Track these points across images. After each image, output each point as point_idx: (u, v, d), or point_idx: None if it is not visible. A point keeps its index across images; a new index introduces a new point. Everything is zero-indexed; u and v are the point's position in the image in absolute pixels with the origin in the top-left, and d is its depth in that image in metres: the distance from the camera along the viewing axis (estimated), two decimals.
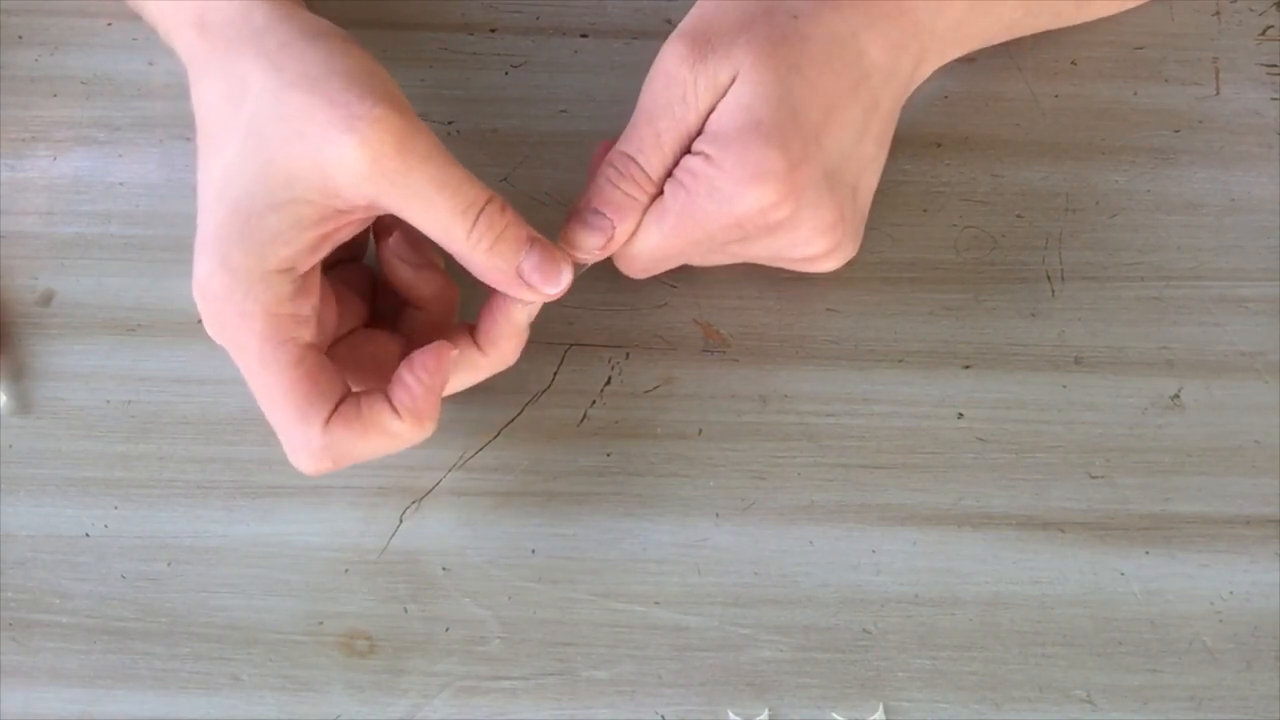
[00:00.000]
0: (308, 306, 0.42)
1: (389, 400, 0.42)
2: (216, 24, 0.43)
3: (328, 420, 0.42)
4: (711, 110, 0.44)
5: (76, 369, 0.49)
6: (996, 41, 0.52)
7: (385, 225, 0.46)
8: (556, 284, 0.43)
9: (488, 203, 0.41)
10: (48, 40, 0.54)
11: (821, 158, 0.44)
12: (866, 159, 0.46)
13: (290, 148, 0.41)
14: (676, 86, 0.44)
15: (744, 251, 0.46)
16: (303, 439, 0.42)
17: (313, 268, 0.42)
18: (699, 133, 0.44)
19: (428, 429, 0.43)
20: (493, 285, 0.43)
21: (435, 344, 0.43)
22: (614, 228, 0.44)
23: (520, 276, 0.42)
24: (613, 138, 0.45)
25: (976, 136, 0.53)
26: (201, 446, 0.48)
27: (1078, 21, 0.54)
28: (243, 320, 0.41)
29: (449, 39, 0.55)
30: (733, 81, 0.43)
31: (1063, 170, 0.53)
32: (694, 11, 0.45)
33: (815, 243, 0.45)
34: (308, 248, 0.42)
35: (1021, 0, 0.50)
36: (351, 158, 0.40)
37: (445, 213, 0.41)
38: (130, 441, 0.48)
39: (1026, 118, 0.53)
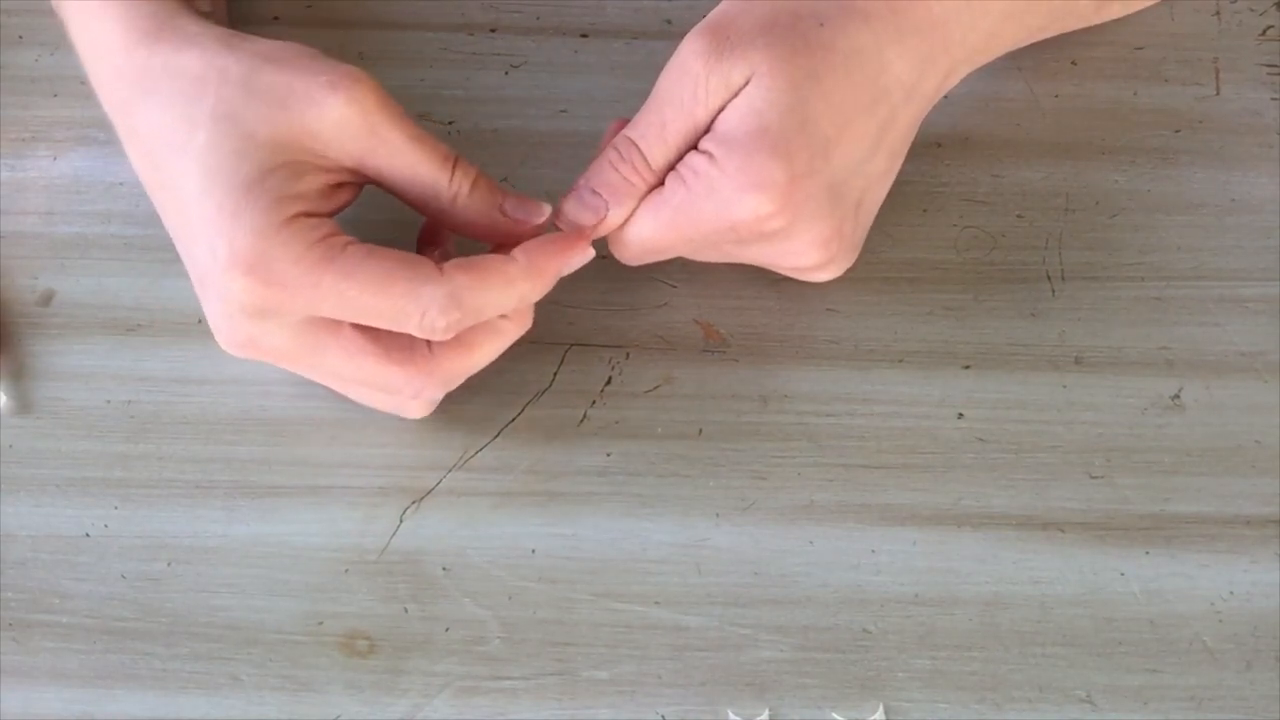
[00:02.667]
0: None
1: (504, 254, 0.43)
2: (146, 36, 0.43)
3: (441, 270, 0.42)
4: (722, 109, 0.43)
5: (76, 369, 0.49)
6: (1020, 47, 0.51)
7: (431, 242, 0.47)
8: (539, 214, 0.44)
9: (458, 157, 0.44)
10: (48, 40, 0.54)
11: (827, 172, 0.43)
12: (876, 175, 0.46)
13: (271, 121, 0.41)
14: (689, 80, 0.43)
15: (739, 253, 0.46)
16: (429, 293, 0.41)
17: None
18: (707, 130, 0.44)
19: (540, 283, 0.43)
20: (480, 233, 0.44)
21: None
22: (607, 209, 0.44)
23: (504, 213, 0.44)
24: (627, 117, 0.45)
25: (976, 136, 0.53)
26: (201, 446, 0.48)
27: (1095, 23, 0.53)
28: (299, 264, 0.41)
29: (449, 39, 0.55)
30: (746, 83, 0.43)
31: (1063, 170, 0.53)
32: (720, 7, 0.45)
33: (809, 255, 0.45)
34: (318, 194, 0.42)
35: (1047, 5, 0.50)
36: (340, 114, 0.42)
37: (427, 165, 0.43)
38: (130, 441, 0.48)
39: (1026, 118, 0.53)
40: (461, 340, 0.44)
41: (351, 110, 0.42)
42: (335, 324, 0.43)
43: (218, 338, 0.44)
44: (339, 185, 0.43)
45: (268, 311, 0.42)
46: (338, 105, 0.42)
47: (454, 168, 0.43)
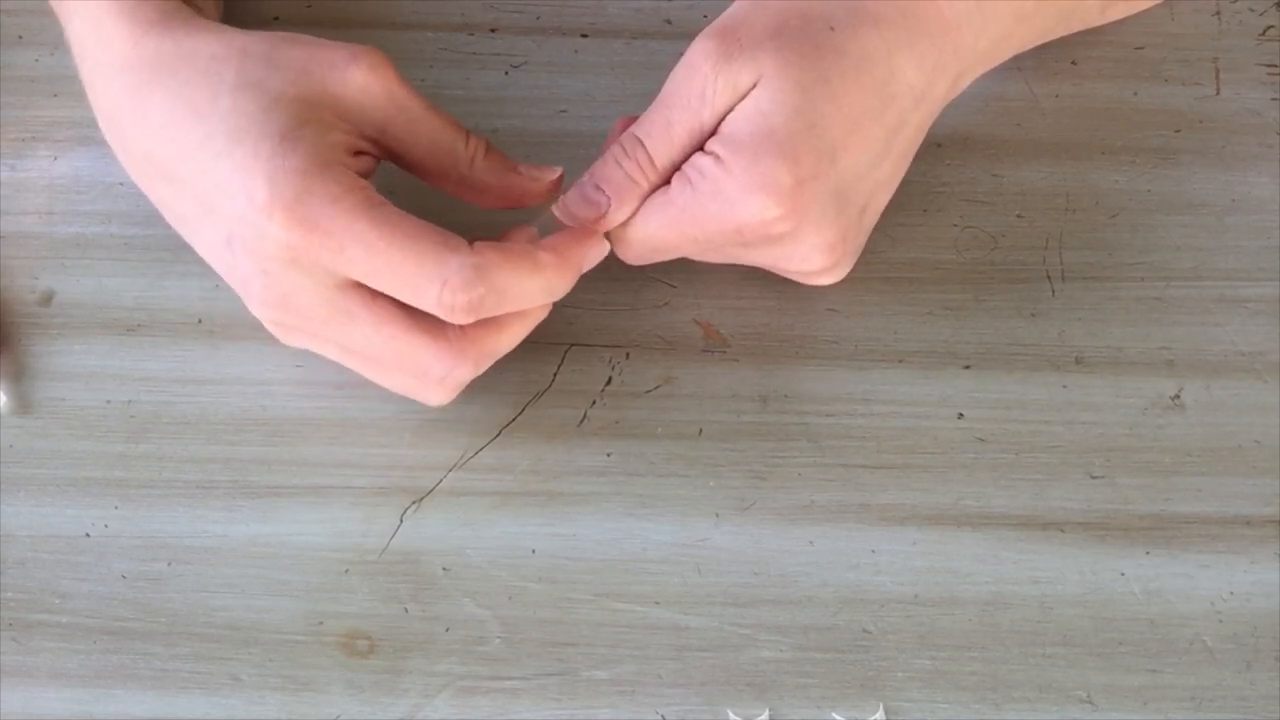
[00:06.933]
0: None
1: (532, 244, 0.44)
2: (154, 26, 0.44)
3: (471, 244, 0.42)
4: (729, 111, 0.43)
5: (76, 369, 0.49)
6: (1028, 49, 0.51)
7: None
8: (552, 173, 0.45)
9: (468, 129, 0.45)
10: (48, 40, 0.54)
11: (834, 176, 0.43)
12: (882, 180, 0.46)
13: (295, 84, 0.42)
14: (696, 80, 0.43)
15: (744, 255, 0.46)
16: (456, 262, 0.41)
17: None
18: (714, 132, 0.44)
19: (566, 274, 0.44)
20: (495, 197, 0.45)
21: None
22: (608, 205, 0.44)
23: (518, 173, 0.45)
24: (634, 115, 0.45)
25: (976, 136, 0.53)
26: (201, 446, 0.48)
27: (1100, 24, 0.53)
28: (336, 205, 0.41)
29: (449, 39, 0.55)
30: (754, 85, 0.43)
31: (1063, 170, 0.53)
32: (731, 9, 0.45)
33: (812, 259, 0.45)
34: (345, 152, 0.42)
35: (1055, 6, 0.49)
36: (363, 81, 0.43)
37: (445, 130, 0.44)
38: (130, 441, 0.48)
39: (1026, 118, 0.53)
40: (491, 317, 0.43)
41: (373, 78, 0.43)
42: (370, 292, 0.42)
43: (248, 300, 0.44)
44: (359, 153, 0.44)
45: (300, 258, 0.41)
46: (360, 73, 0.43)
47: (468, 136, 0.45)
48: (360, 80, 0.43)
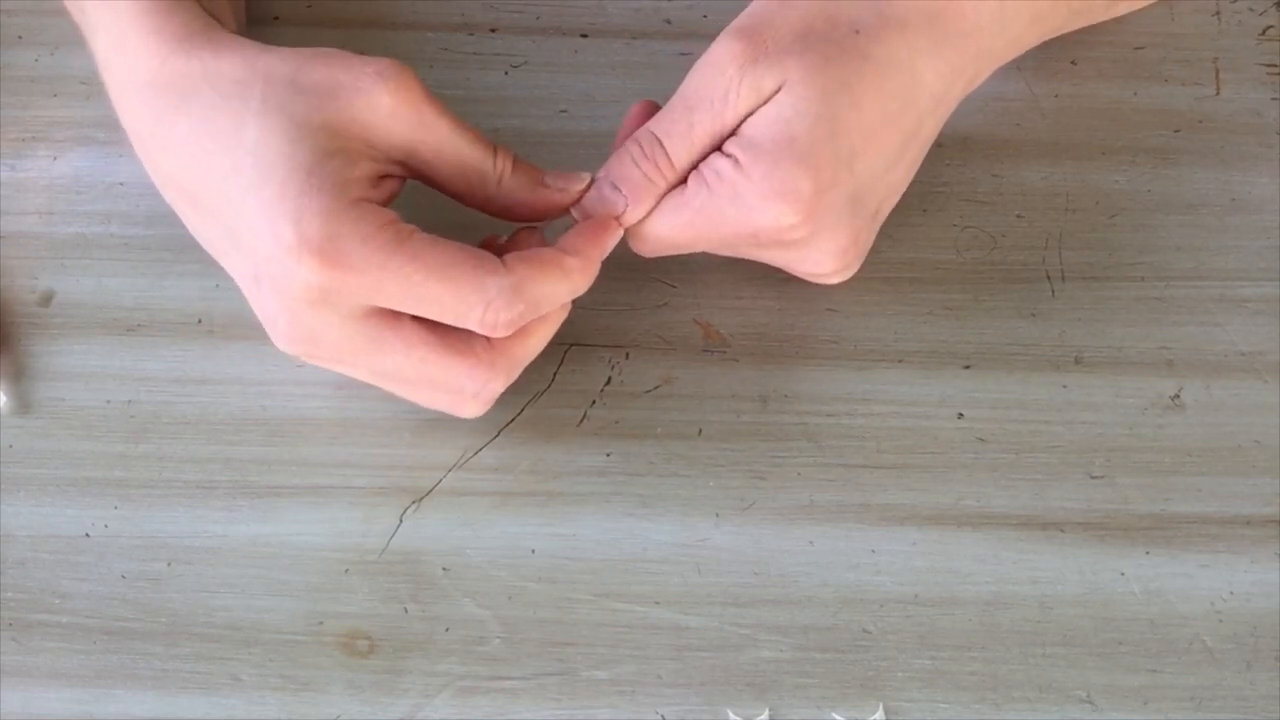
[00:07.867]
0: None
1: (554, 247, 0.44)
2: (181, 44, 0.43)
3: (504, 263, 0.42)
4: (751, 113, 0.43)
5: (76, 369, 0.49)
6: (1033, 46, 0.51)
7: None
8: (580, 182, 0.44)
9: (495, 143, 0.45)
10: (48, 40, 0.54)
11: (851, 183, 0.43)
12: (895, 184, 0.46)
13: (321, 110, 0.41)
14: (721, 82, 0.43)
15: (754, 254, 0.46)
16: (494, 284, 0.41)
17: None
18: (733, 133, 0.44)
19: (591, 273, 0.44)
20: (523, 212, 0.45)
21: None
22: (626, 205, 0.44)
23: (545, 184, 0.45)
24: (654, 101, 0.45)
25: (976, 136, 0.53)
26: (201, 446, 0.48)
27: (1104, 20, 0.53)
28: (368, 244, 0.40)
29: (449, 39, 0.55)
30: (777, 90, 0.43)
31: (1063, 170, 0.53)
32: (753, 7, 0.44)
33: (824, 263, 0.46)
34: (370, 182, 0.42)
35: (1066, 5, 0.49)
36: (391, 102, 0.42)
37: (472, 149, 0.44)
38: (130, 441, 0.48)
39: (1026, 118, 0.53)
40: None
41: (400, 99, 0.42)
42: (395, 317, 0.42)
43: (274, 336, 0.43)
44: (385, 177, 0.43)
45: (331, 297, 0.41)
46: (387, 94, 0.42)
47: (495, 152, 0.44)
48: (387, 103, 0.42)
